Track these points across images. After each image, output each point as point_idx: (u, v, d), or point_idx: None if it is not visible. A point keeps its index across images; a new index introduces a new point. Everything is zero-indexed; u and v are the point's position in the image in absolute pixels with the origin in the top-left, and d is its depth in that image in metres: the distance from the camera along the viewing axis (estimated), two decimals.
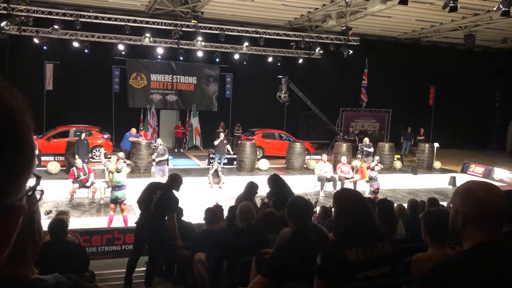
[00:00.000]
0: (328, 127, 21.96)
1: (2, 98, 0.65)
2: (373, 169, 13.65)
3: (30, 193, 0.72)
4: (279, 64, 21.87)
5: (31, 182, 0.74)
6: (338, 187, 14.06)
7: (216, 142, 16.58)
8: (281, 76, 23.40)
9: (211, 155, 17.06)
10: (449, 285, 1.55)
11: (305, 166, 18.08)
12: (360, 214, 2.67)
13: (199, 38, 18.52)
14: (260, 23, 20.24)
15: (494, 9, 13.56)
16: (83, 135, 15.14)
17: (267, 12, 18.42)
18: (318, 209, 8.43)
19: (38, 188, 0.76)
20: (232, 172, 16.84)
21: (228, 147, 16.67)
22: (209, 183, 14.63)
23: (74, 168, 12.57)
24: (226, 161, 17.27)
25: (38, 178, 0.75)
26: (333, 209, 2.93)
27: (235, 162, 17.77)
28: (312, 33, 20.31)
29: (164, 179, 13.66)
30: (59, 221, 5.23)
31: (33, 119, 0.71)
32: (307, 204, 3.59)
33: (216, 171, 14.72)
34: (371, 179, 13.59)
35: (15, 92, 0.68)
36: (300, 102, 21.20)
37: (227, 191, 14.20)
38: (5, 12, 15.80)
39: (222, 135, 16.91)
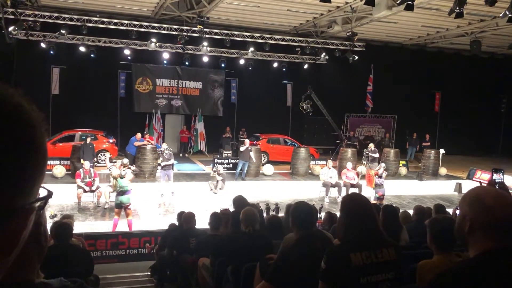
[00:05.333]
0: (334, 133, 21.93)
1: (21, 105, 0.68)
2: (380, 176, 13.56)
3: (40, 202, 0.74)
4: (284, 69, 21.90)
5: (42, 192, 0.75)
6: (343, 193, 14.03)
7: (242, 149, 16.41)
8: (286, 82, 23.50)
9: (215, 160, 17.03)
10: None
11: (310, 171, 18.03)
12: (366, 219, 2.66)
13: (205, 43, 18.60)
14: (266, 29, 20.30)
15: (501, 15, 13.52)
16: (88, 139, 15.19)
17: (273, 17, 18.47)
18: (323, 214, 8.41)
19: (46, 188, 0.77)
20: (241, 177, 16.77)
21: (252, 154, 16.39)
22: (211, 189, 14.62)
23: (81, 169, 12.65)
24: (230, 166, 17.25)
25: (50, 192, 0.77)
26: (339, 213, 2.92)
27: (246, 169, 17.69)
28: (318, 38, 20.33)
29: (169, 184, 13.75)
30: (64, 225, 5.24)
31: (46, 129, 0.74)
32: (311, 209, 3.59)
33: (217, 175, 14.71)
34: (377, 185, 13.52)
35: (32, 104, 0.71)
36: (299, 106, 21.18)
37: (230, 197, 14.17)
38: (12, 17, 15.94)
39: (247, 141, 16.72)
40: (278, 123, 22.70)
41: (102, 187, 12.77)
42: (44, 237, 0.85)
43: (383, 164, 14.37)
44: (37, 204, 0.73)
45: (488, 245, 1.55)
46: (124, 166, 10.89)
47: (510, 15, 12.54)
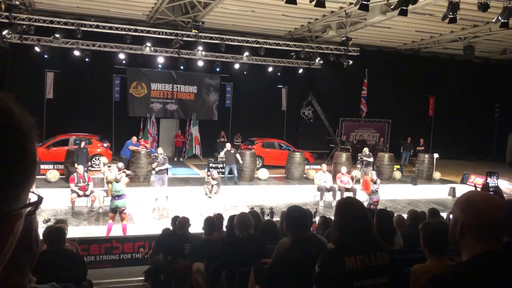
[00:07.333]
0: (329, 137, 21.96)
1: (11, 111, 0.68)
2: (375, 182, 13.57)
3: (29, 208, 0.73)
4: (279, 74, 21.94)
5: (32, 197, 0.74)
6: (338, 197, 14.03)
7: (221, 154, 16.41)
8: (280, 86, 23.53)
9: (210, 164, 17.00)
10: None
11: (304, 175, 18.05)
12: (361, 223, 2.67)
13: (200, 48, 18.60)
14: (261, 33, 20.34)
15: (493, 20, 13.63)
16: (82, 144, 15.14)
17: (268, 22, 18.52)
18: (317, 219, 8.40)
19: (36, 193, 0.77)
20: (232, 181, 16.79)
21: (238, 156, 16.33)
22: (206, 194, 14.60)
23: (75, 174, 12.59)
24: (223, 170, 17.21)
25: (40, 198, 0.76)
26: (333, 217, 2.92)
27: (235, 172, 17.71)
28: (312, 43, 20.40)
29: (163, 188, 13.71)
30: (57, 230, 5.21)
31: (37, 135, 0.73)
32: (305, 214, 3.59)
33: (212, 180, 14.68)
34: (372, 192, 13.51)
35: (23, 108, 0.70)
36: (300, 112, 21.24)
37: (226, 201, 14.18)
38: (6, 20, 15.89)
39: (228, 145, 16.71)
40: (273, 128, 22.71)
41: (96, 191, 12.72)
42: (36, 243, 0.85)
43: (374, 172, 14.39)
44: (26, 210, 0.72)
45: (479, 248, 1.56)
46: (119, 170, 10.88)
47: (502, 20, 12.65)
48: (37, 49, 18.18)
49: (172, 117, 22.25)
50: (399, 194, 16.28)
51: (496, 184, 13.99)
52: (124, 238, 9.65)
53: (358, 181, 15.85)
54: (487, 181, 12.43)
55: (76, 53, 18.62)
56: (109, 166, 12.80)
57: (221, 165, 17.05)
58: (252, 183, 16.88)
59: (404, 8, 12.47)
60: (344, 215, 2.73)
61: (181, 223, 6.75)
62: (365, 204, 12.88)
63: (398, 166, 19.74)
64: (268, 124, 22.52)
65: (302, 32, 20.05)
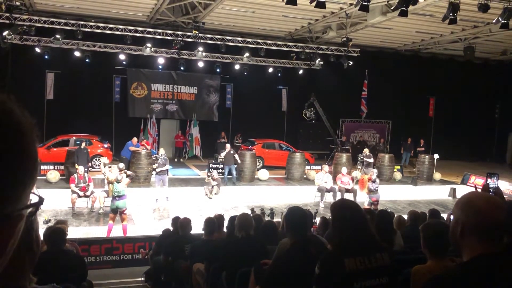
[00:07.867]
0: (329, 138, 21.96)
1: (12, 111, 0.68)
2: (374, 181, 13.56)
3: (31, 209, 0.73)
4: (279, 74, 21.92)
5: (33, 198, 0.74)
6: (338, 198, 14.02)
7: (222, 154, 16.45)
8: (281, 87, 23.53)
9: (210, 165, 16.99)
10: None
11: (305, 176, 18.05)
12: (357, 224, 2.67)
13: (200, 49, 18.61)
14: (261, 34, 20.34)
15: (494, 21, 13.63)
16: (83, 144, 15.15)
17: (268, 23, 18.52)
18: (318, 220, 8.40)
19: (37, 194, 0.77)
20: (232, 182, 16.78)
21: (236, 156, 16.43)
22: (206, 194, 14.60)
23: (75, 174, 12.58)
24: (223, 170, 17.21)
25: (41, 199, 0.76)
26: (330, 219, 2.93)
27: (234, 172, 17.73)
28: (313, 44, 20.40)
29: (164, 189, 13.71)
30: (57, 231, 5.21)
31: (38, 136, 0.73)
32: (305, 214, 3.59)
33: (212, 180, 14.68)
34: (371, 191, 13.51)
35: (23, 109, 0.70)
36: (300, 113, 21.22)
37: (226, 201, 14.17)
38: (7, 21, 15.90)
39: (228, 146, 16.76)
40: (273, 128, 22.71)
41: (96, 192, 12.72)
42: (36, 243, 0.85)
43: (375, 170, 14.40)
44: (27, 211, 0.72)
45: (480, 249, 1.56)
46: (120, 171, 10.88)
47: (502, 21, 12.65)
48: (37, 49, 18.17)
49: (173, 117, 22.25)
50: (400, 195, 16.28)
51: (496, 185, 13.97)
52: (125, 239, 9.66)
53: (358, 182, 15.85)
54: (488, 182, 12.41)
55: (77, 53, 18.62)
56: (110, 167, 12.79)
57: (221, 166, 17.06)
58: (252, 183, 16.88)
59: (404, 9, 12.48)
60: (340, 217, 2.73)
61: (183, 223, 6.75)
62: (365, 203, 12.91)
63: (399, 167, 19.73)
64: (268, 124, 22.50)
65: (302, 33, 20.05)
